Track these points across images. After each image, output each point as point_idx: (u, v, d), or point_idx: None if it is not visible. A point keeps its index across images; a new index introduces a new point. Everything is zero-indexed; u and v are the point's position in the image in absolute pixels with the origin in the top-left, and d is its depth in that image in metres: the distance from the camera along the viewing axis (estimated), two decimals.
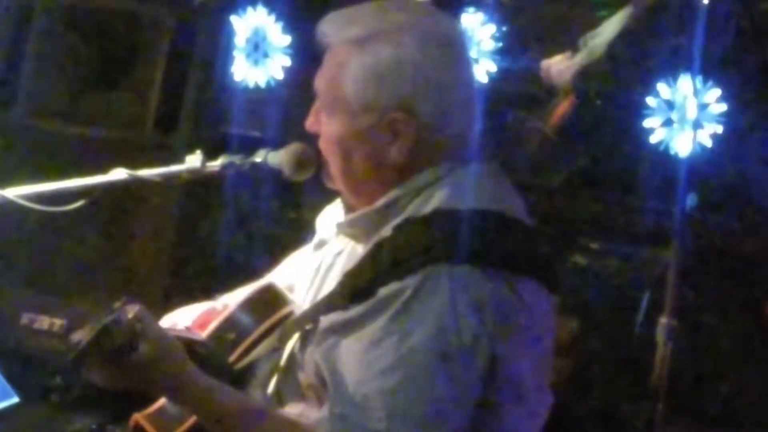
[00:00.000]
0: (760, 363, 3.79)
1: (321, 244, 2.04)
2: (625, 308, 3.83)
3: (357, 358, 1.68)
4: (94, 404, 3.60)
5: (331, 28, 1.82)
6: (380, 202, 1.80)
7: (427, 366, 1.64)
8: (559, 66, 3.22)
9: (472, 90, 1.83)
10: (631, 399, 3.70)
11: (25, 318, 3.75)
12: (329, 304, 1.77)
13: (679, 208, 3.18)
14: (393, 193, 1.79)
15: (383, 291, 1.69)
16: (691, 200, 3.19)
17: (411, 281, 1.67)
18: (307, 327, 1.81)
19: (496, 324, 1.67)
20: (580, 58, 3.33)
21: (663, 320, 3.17)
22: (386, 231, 1.76)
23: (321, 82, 1.84)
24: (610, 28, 3.35)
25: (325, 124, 1.84)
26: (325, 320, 1.75)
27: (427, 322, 1.65)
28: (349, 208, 1.92)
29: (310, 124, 1.88)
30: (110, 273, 3.95)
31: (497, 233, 1.75)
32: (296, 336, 1.84)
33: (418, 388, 1.64)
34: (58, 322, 3.71)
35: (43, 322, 3.73)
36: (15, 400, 2.31)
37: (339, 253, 1.91)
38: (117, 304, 1.67)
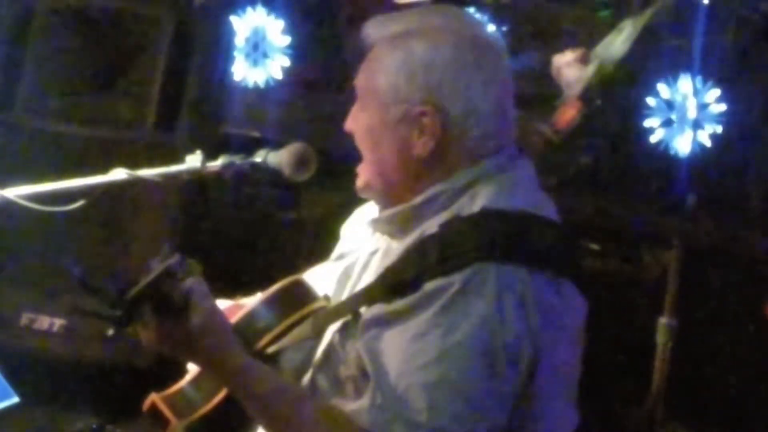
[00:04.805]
0: (760, 363, 3.79)
1: (341, 257, 2.05)
2: (625, 308, 3.83)
3: (400, 350, 1.70)
4: (94, 404, 3.60)
5: (374, 28, 1.88)
6: (418, 198, 1.83)
7: (469, 362, 1.66)
8: (570, 71, 3.19)
9: (507, 94, 1.89)
10: (630, 399, 3.70)
11: (25, 318, 3.75)
12: (370, 296, 1.79)
13: (679, 208, 3.18)
14: (431, 191, 1.82)
15: (429, 285, 1.70)
16: (691, 200, 3.19)
17: (458, 277, 1.69)
18: (346, 318, 1.82)
19: (539, 324, 1.70)
20: (590, 71, 3.31)
21: (663, 320, 3.17)
22: (429, 227, 1.78)
23: (360, 78, 1.89)
24: (622, 46, 3.31)
25: (359, 119, 1.88)
26: (367, 312, 1.77)
27: (472, 319, 1.67)
28: (383, 208, 1.93)
29: (347, 125, 1.91)
30: (110, 273, 3.93)
31: (542, 235, 1.78)
32: (333, 328, 1.85)
33: (459, 383, 1.66)
34: (58, 322, 3.71)
35: (43, 322, 3.73)
36: (15, 400, 2.31)
37: (374, 252, 1.93)
38: (169, 256, 1.66)
